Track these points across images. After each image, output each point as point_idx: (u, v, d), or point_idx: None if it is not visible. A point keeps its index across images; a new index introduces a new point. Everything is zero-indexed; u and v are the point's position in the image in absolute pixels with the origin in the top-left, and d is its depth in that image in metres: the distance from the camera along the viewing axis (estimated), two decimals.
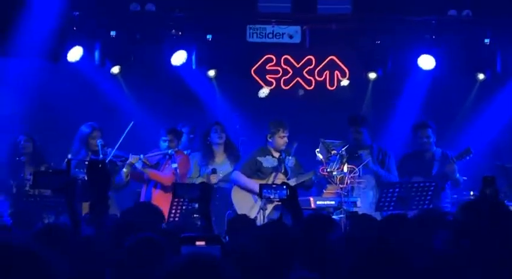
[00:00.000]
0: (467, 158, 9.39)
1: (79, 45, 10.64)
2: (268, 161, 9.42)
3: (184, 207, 8.15)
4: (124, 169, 9.28)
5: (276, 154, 9.43)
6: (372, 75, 11.18)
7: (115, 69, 10.99)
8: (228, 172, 9.68)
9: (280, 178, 9.08)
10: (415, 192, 8.77)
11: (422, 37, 10.83)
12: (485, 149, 10.52)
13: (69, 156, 9.28)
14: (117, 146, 9.14)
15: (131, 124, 9.30)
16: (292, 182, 8.81)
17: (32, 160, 9.51)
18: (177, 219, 8.16)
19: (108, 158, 8.93)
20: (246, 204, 9.18)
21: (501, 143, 10.53)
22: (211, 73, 11.25)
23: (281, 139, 9.40)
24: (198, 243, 3.29)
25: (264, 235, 4.75)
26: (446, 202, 9.52)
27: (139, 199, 9.40)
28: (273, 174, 9.29)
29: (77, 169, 8.85)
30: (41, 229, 4.88)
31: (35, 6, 9.69)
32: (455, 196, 9.68)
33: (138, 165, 9.26)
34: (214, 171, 9.48)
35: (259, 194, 5.18)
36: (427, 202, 8.80)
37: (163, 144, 9.41)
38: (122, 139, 9.17)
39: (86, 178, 4.45)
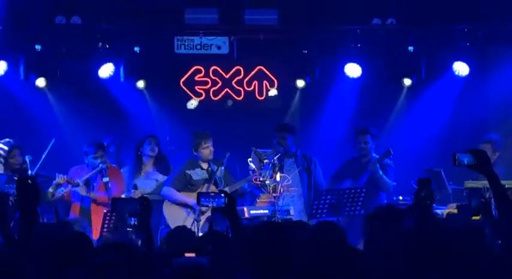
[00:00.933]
0: (388, 160, 9.67)
1: (3, 59, 10.55)
2: (197, 174, 9.47)
3: (113, 221, 8.12)
4: (50, 189, 9.08)
5: (205, 166, 9.51)
6: (300, 83, 11.37)
7: (40, 82, 10.86)
8: (159, 181, 9.73)
9: (212, 190, 9.15)
10: (347, 199, 8.97)
11: (348, 46, 11.08)
12: (414, 154, 10.82)
13: None
14: (38, 165, 9.03)
15: (52, 142, 9.24)
16: (225, 190, 8.94)
17: None
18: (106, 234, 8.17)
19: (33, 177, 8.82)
20: (178, 217, 9.21)
21: (429, 148, 10.84)
22: (141, 84, 11.27)
23: (205, 150, 9.46)
24: (187, 254, 3.32)
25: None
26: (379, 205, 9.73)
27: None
28: (205, 186, 9.36)
29: (7, 185, 8.72)
30: None
31: None
32: (385, 201, 9.88)
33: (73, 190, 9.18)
34: (135, 187, 9.45)
35: (197, 202, 5.23)
36: (358, 208, 9.00)
37: (93, 161, 9.34)
38: (43, 156, 9.09)
39: (16, 194, 4.42)
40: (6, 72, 10.61)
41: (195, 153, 9.48)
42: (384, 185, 9.66)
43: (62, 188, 9.14)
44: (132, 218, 7.61)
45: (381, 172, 9.62)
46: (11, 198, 7.34)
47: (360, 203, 9.00)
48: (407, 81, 11.27)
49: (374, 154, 9.84)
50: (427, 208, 4.81)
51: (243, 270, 4.29)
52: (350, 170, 9.86)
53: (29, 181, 4.36)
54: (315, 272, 3.92)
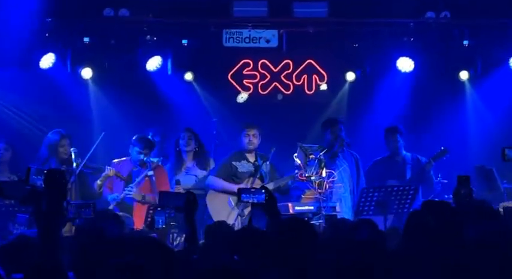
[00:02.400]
0: (444, 158, 9.62)
1: (52, 51, 10.75)
2: (243, 166, 9.56)
3: (160, 209, 8.21)
4: (98, 181, 9.28)
5: (252, 159, 9.57)
6: (350, 76, 11.31)
7: (87, 74, 11.00)
8: (198, 177, 9.81)
9: (257, 184, 9.16)
10: (395, 196, 8.93)
11: (401, 39, 11.02)
12: (468, 151, 10.72)
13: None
14: (87, 156, 9.14)
15: (102, 135, 9.35)
16: (269, 186, 8.98)
17: (9, 169, 9.54)
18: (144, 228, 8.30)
19: (79, 170, 8.99)
20: (222, 211, 9.29)
21: (483, 145, 10.71)
22: (188, 76, 11.32)
23: (245, 138, 9.54)
24: None
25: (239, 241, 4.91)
26: (417, 205, 9.69)
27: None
28: (250, 179, 9.43)
29: (35, 176, 8.79)
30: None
31: (5, 13, 9.84)
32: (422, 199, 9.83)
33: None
34: (177, 182, 9.50)
35: (238, 198, 5.30)
36: (407, 206, 8.95)
37: (137, 155, 9.42)
38: (92, 149, 9.22)
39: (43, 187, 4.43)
40: (54, 64, 10.79)
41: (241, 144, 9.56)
42: (431, 184, 9.63)
43: (117, 194, 9.28)
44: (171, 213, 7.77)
45: (432, 172, 9.59)
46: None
47: (408, 201, 8.95)
48: (464, 75, 11.12)
49: (404, 152, 9.92)
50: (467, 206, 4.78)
51: (273, 269, 4.33)
52: (385, 170, 9.89)
53: (57, 174, 4.36)
54: (338, 273, 3.92)
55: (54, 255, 4.13)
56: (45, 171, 4.37)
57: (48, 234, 4.20)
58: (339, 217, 8.46)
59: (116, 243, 4.67)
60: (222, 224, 6.70)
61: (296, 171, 9.14)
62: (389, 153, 10.09)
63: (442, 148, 9.63)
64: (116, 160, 9.59)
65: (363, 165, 9.80)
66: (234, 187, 9.23)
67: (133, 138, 9.48)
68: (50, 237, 4.19)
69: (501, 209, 8.86)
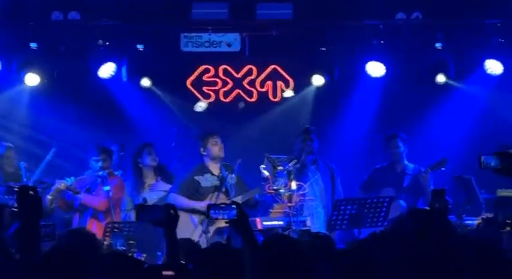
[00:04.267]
0: (443, 168, 9.50)
1: None
2: (207, 180, 9.23)
3: (116, 231, 8.02)
4: (49, 196, 8.97)
5: (216, 171, 9.25)
6: (317, 81, 11.05)
7: (31, 80, 10.58)
8: (162, 194, 9.50)
9: (222, 199, 8.89)
10: (369, 209, 8.73)
11: (370, 42, 10.83)
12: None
13: None
14: (38, 171, 8.93)
15: (53, 150, 9.12)
16: (237, 200, 8.71)
17: None
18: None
19: (30, 183, 8.66)
20: (185, 229, 8.96)
21: (459, 153, 10.55)
22: (145, 82, 11.02)
23: (215, 145, 9.23)
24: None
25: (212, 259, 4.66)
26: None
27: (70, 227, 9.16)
28: (215, 194, 9.11)
29: (6, 196, 8.56)
30: None
31: None
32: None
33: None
34: (144, 201, 9.16)
35: (207, 215, 5.01)
36: (381, 219, 8.75)
37: (95, 165, 9.20)
38: (44, 164, 8.96)
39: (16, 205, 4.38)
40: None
41: (204, 153, 9.23)
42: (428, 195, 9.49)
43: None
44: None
45: (432, 186, 9.43)
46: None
47: (382, 214, 8.75)
48: (441, 78, 10.91)
49: (406, 162, 9.91)
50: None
51: None
52: (386, 178, 9.84)
53: (31, 191, 4.31)
54: None
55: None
56: (17, 188, 4.38)
57: (27, 255, 4.17)
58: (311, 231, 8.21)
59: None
60: (188, 241, 6.48)
61: (263, 183, 8.88)
62: (390, 162, 10.06)
63: (443, 157, 9.55)
64: (77, 178, 9.24)
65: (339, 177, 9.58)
66: (197, 204, 8.93)
67: (89, 150, 9.27)
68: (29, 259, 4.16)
69: (480, 221, 8.77)
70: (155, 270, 4.69)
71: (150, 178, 9.64)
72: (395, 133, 9.95)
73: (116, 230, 7.91)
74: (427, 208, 9.06)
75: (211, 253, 5.02)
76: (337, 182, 9.56)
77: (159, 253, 8.52)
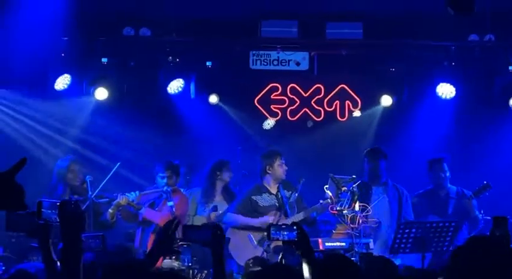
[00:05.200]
0: (487, 194, 9.32)
1: (67, 73, 10.56)
2: (265, 200, 9.25)
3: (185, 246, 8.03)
4: (110, 210, 9.02)
5: (274, 190, 9.29)
6: (386, 101, 10.99)
7: (101, 94, 10.73)
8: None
9: (283, 219, 8.92)
10: (434, 233, 8.61)
11: (441, 64, 10.74)
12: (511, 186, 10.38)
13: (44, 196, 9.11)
14: (100, 186, 8.94)
15: (117, 165, 9.15)
16: (299, 216, 8.77)
17: None
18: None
19: (90, 199, 8.78)
20: (245, 249, 9.01)
21: None
22: (213, 99, 11.06)
23: (280, 167, 9.27)
24: None
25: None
26: (459, 243, 9.37)
27: (132, 241, 9.25)
28: (277, 214, 9.11)
29: (49, 211, 8.67)
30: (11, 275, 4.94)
31: (20, 30, 9.70)
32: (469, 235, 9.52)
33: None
34: (215, 209, 9.30)
35: (268, 236, 5.04)
36: (446, 244, 8.62)
37: (160, 181, 9.23)
38: (106, 179, 8.99)
39: (58, 220, 4.39)
40: (70, 86, 10.62)
41: (269, 172, 9.25)
42: (476, 221, 9.30)
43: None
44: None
45: (477, 212, 9.27)
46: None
47: (448, 238, 8.62)
48: None
49: (449, 185, 9.72)
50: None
51: None
52: (427, 205, 9.67)
53: (72, 205, 4.30)
54: None
55: None
56: (58, 203, 4.34)
57: (68, 270, 4.13)
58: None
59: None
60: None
61: (321, 201, 8.89)
62: (433, 186, 9.84)
63: (485, 182, 9.31)
64: (143, 192, 9.33)
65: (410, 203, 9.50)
66: (254, 221, 8.98)
67: (156, 166, 9.32)
68: (70, 274, 4.10)
69: None
70: None
71: (218, 194, 9.71)
72: (442, 157, 9.76)
73: (185, 245, 7.88)
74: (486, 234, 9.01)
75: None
76: (405, 206, 9.48)
77: None
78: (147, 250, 8.45)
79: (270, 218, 8.94)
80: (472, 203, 9.38)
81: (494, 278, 4.06)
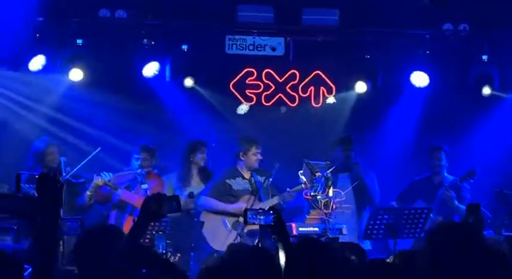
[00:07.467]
0: (471, 180, 9.51)
1: (41, 53, 10.55)
2: (238, 184, 9.40)
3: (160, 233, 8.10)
4: (88, 192, 9.16)
5: (247, 175, 9.43)
6: (360, 88, 11.05)
7: (76, 75, 10.67)
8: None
9: (256, 204, 9.04)
10: (406, 220, 8.78)
11: (416, 52, 10.86)
12: (486, 174, 10.51)
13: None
14: (78, 166, 9.03)
15: (98, 150, 9.23)
16: (273, 201, 8.93)
17: None
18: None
19: (66, 178, 8.83)
20: (219, 233, 9.14)
21: (503, 168, 10.55)
22: (188, 82, 11.03)
23: (254, 156, 9.40)
24: None
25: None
26: None
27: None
28: (251, 198, 9.23)
29: (27, 185, 8.70)
30: None
31: None
32: None
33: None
34: (191, 195, 9.33)
35: (244, 220, 5.15)
36: (418, 230, 8.80)
37: (135, 163, 9.34)
38: (85, 161, 9.08)
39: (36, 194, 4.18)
40: (44, 67, 10.57)
41: (242, 158, 9.39)
42: (459, 212, 9.47)
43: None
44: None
45: (456, 202, 9.47)
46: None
47: (420, 226, 8.80)
48: (486, 90, 10.88)
49: (446, 174, 9.90)
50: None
51: None
52: (420, 190, 9.88)
53: (50, 179, 4.14)
54: None
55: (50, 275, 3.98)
56: (37, 176, 4.12)
57: (44, 250, 4.02)
58: (345, 240, 8.31)
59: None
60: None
61: (288, 189, 9.06)
62: (429, 174, 10.08)
63: (471, 169, 9.53)
64: (116, 174, 9.40)
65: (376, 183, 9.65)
66: (228, 207, 9.11)
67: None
68: (46, 254, 4.02)
69: None
70: None
71: (194, 177, 9.80)
72: (440, 146, 9.96)
73: (160, 232, 7.96)
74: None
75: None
76: (371, 186, 9.66)
77: (192, 254, 8.73)
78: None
79: (243, 205, 9.07)
80: (450, 194, 9.54)
81: (464, 262, 4.25)
